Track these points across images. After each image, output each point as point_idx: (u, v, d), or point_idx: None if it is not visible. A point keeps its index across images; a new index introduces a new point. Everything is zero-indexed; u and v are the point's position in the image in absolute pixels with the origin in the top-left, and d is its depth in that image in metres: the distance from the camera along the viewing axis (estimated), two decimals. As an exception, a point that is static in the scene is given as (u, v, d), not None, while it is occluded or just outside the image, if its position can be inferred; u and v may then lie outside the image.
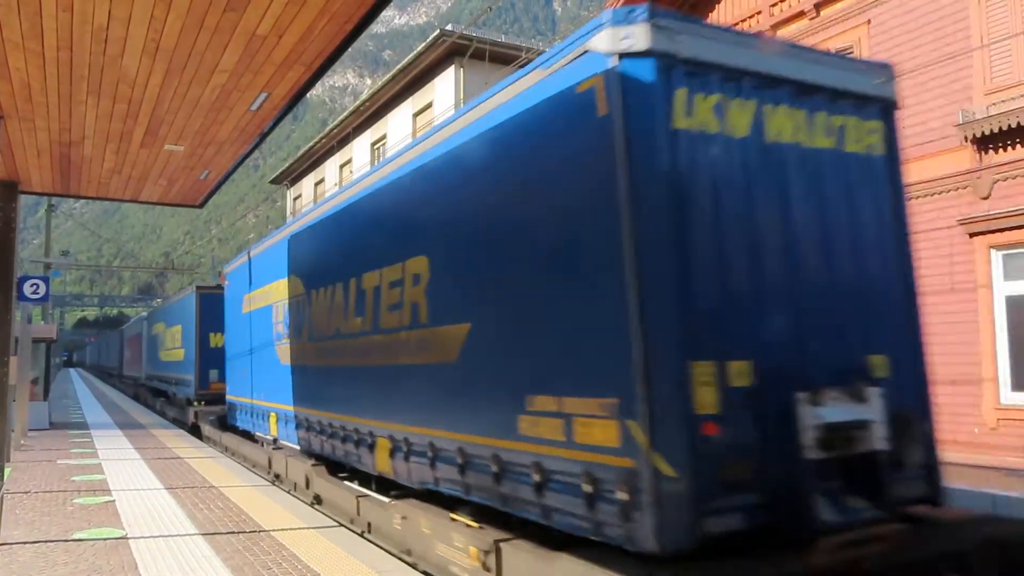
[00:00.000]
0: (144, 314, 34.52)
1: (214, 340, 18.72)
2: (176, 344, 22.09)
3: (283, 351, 11.17)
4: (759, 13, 14.37)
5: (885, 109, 5.41)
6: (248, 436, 14.43)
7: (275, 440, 11.91)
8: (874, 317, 5.11)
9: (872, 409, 4.62)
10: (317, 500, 9.64)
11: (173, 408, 23.01)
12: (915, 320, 5.31)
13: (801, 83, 4.92)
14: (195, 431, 18.92)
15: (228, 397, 15.44)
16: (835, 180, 5.04)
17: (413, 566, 6.76)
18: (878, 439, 4.61)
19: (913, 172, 11.68)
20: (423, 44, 22.24)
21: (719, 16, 15.30)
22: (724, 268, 4.50)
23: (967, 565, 4.44)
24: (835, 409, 4.45)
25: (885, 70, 5.50)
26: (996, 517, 5.65)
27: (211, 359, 18.77)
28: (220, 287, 18.17)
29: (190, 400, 19.76)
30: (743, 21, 14.70)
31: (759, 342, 4.53)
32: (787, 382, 4.42)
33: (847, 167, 5.12)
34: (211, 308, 18.63)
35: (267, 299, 12.09)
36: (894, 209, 5.34)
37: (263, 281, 12.42)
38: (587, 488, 4.53)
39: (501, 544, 5.44)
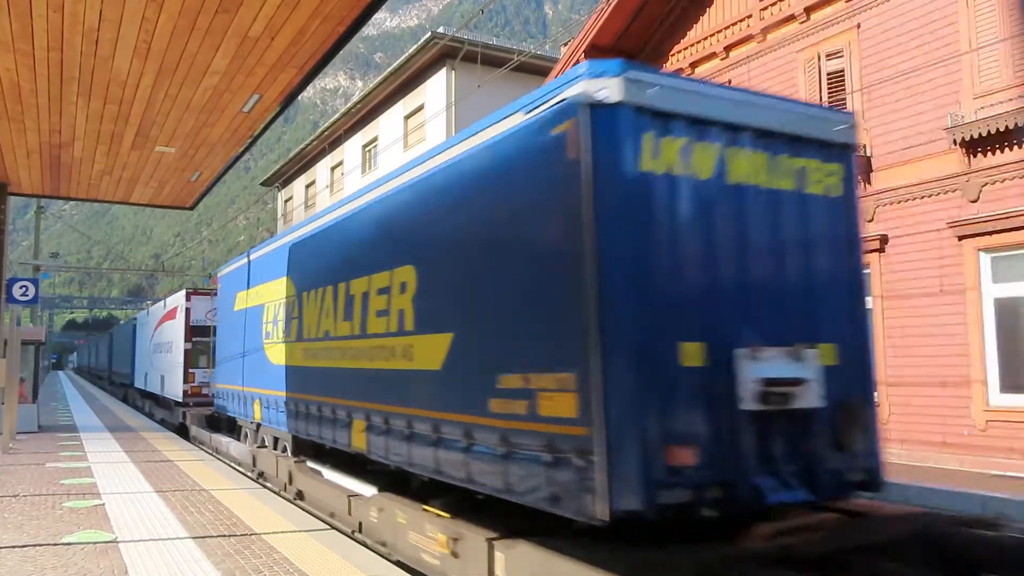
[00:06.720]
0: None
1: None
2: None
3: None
4: (749, 17, 14.44)
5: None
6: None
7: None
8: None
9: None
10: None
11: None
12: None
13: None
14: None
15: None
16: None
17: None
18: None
19: (903, 175, 11.77)
20: (414, 47, 22.27)
21: (710, 20, 15.37)
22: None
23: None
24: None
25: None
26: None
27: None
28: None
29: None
30: (734, 24, 14.77)
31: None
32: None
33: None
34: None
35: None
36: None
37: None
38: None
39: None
